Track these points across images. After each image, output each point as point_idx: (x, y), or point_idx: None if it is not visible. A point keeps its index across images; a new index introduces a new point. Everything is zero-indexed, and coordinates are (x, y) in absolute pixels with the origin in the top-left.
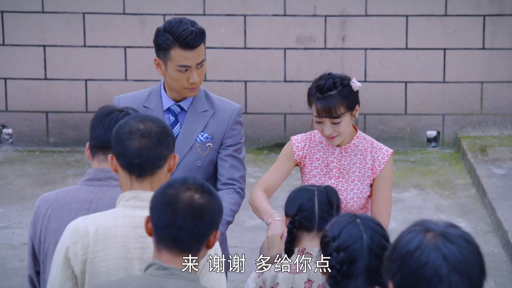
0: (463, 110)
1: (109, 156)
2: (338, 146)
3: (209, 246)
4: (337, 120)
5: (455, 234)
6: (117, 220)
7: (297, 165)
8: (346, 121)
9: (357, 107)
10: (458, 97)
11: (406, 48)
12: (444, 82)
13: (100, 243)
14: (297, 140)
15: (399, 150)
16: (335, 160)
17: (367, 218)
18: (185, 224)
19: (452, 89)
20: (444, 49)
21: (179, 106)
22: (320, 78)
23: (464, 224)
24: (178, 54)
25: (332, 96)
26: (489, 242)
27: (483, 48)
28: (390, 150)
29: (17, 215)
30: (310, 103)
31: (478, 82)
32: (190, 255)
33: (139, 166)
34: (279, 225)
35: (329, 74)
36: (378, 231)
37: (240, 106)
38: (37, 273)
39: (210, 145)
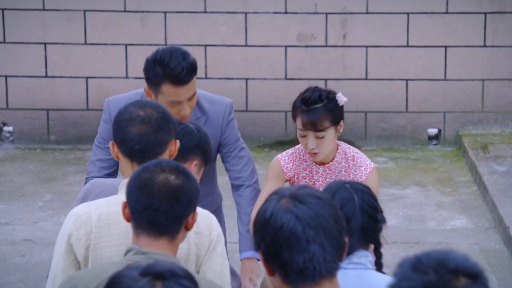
0: (464, 108)
1: (110, 143)
2: (321, 164)
3: (188, 228)
4: (321, 134)
5: (304, 194)
6: (120, 206)
7: (287, 181)
8: (330, 136)
9: (341, 122)
10: (459, 95)
11: (407, 46)
12: (445, 79)
13: (103, 229)
14: (285, 161)
15: (400, 148)
16: (321, 179)
17: (355, 182)
18: (161, 206)
19: (453, 86)
20: (445, 47)
21: None
22: (306, 90)
23: (465, 221)
24: (169, 90)
25: (318, 109)
26: (491, 238)
27: (484, 46)
28: (370, 167)
29: (18, 211)
30: (294, 116)
31: (479, 79)
32: (168, 237)
33: (140, 152)
34: None
35: (316, 87)
36: (367, 192)
37: (231, 101)
38: None
39: None
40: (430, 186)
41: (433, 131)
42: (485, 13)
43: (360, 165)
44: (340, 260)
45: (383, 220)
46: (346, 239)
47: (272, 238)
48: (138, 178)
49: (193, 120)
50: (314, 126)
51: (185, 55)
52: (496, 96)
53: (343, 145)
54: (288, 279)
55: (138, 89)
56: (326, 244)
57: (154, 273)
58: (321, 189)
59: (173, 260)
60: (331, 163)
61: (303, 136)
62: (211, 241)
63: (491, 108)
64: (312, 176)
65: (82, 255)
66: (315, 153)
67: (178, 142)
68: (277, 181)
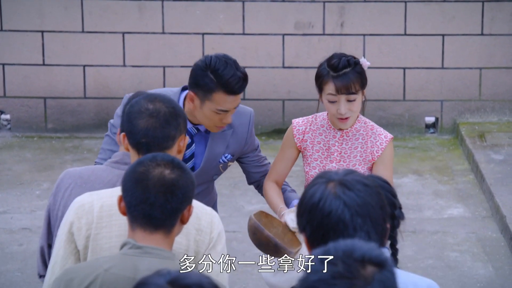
0: (462, 96)
1: (122, 134)
2: (339, 129)
3: (183, 221)
4: (353, 97)
5: (352, 181)
6: None
7: (299, 151)
8: (359, 99)
9: (365, 86)
10: (457, 83)
11: (405, 34)
12: (442, 68)
13: (104, 220)
14: (298, 123)
15: (397, 136)
16: (336, 144)
17: (373, 176)
18: (157, 201)
19: (450, 75)
20: (443, 35)
21: (196, 127)
22: (332, 57)
23: (462, 209)
24: (220, 98)
25: (349, 72)
26: (488, 227)
27: (482, 34)
28: (389, 136)
29: (16, 200)
30: (323, 84)
31: (476, 68)
32: (164, 231)
33: (146, 145)
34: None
35: (339, 53)
36: (385, 187)
37: (252, 110)
38: (50, 246)
39: (231, 164)
40: (427, 175)
41: (430, 119)
42: (483, 1)
43: (380, 133)
44: (382, 247)
45: (401, 216)
46: (388, 225)
47: (319, 223)
48: (133, 172)
49: (220, 133)
50: (347, 90)
51: (237, 64)
52: (494, 85)
53: (362, 117)
54: None
55: (161, 90)
56: (372, 231)
57: (182, 285)
58: (335, 154)
59: (168, 254)
60: (349, 129)
61: (334, 102)
62: (211, 238)
63: (489, 97)
64: (328, 140)
65: (82, 245)
66: (346, 118)
67: (187, 138)
68: (289, 149)
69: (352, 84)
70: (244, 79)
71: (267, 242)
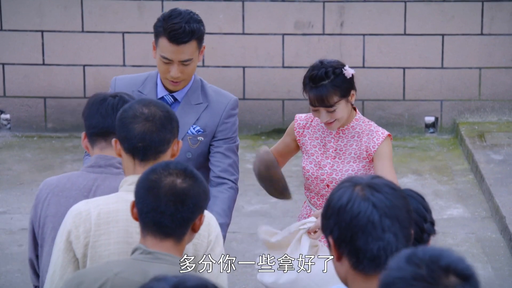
0: (461, 96)
1: (113, 140)
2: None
3: (195, 230)
4: (331, 109)
5: (380, 184)
6: (119, 204)
7: (298, 146)
8: (341, 108)
9: (352, 92)
10: (456, 83)
11: (405, 34)
12: (442, 68)
13: (102, 227)
14: (300, 118)
15: (397, 136)
16: (332, 141)
17: (407, 189)
18: (167, 209)
19: (450, 75)
20: (443, 35)
21: (173, 96)
22: (313, 68)
23: (462, 210)
24: (163, 44)
25: (325, 85)
26: (487, 228)
27: (482, 34)
28: (386, 132)
29: (16, 200)
30: (304, 93)
31: (476, 68)
32: (174, 239)
33: (142, 149)
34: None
35: (321, 63)
36: (417, 199)
37: (236, 98)
38: (37, 256)
39: (201, 139)
40: (427, 175)
41: (430, 119)
42: (482, 1)
43: (377, 130)
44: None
45: (431, 231)
46: (412, 231)
47: (347, 225)
48: (146, 180)
49: (194, 105)
50: (322, 103)
51: (192, 20)
52: (493, 84)
53: (361, 116)
54: (359, 266)
55: (147, 72)
56: (399, 234)
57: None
58: (331, 151)
59: (178, 261)
60: (346, 126)
61: (315, 111)
62: (209, 241)
63: (488, 96)
64: (325, 137)
65: (81, 253)
66: (330, 123)
67: (181, 142)
68: (288, 137)
69: (327, 98)
70: (188, 31)
71: (277, 180)
